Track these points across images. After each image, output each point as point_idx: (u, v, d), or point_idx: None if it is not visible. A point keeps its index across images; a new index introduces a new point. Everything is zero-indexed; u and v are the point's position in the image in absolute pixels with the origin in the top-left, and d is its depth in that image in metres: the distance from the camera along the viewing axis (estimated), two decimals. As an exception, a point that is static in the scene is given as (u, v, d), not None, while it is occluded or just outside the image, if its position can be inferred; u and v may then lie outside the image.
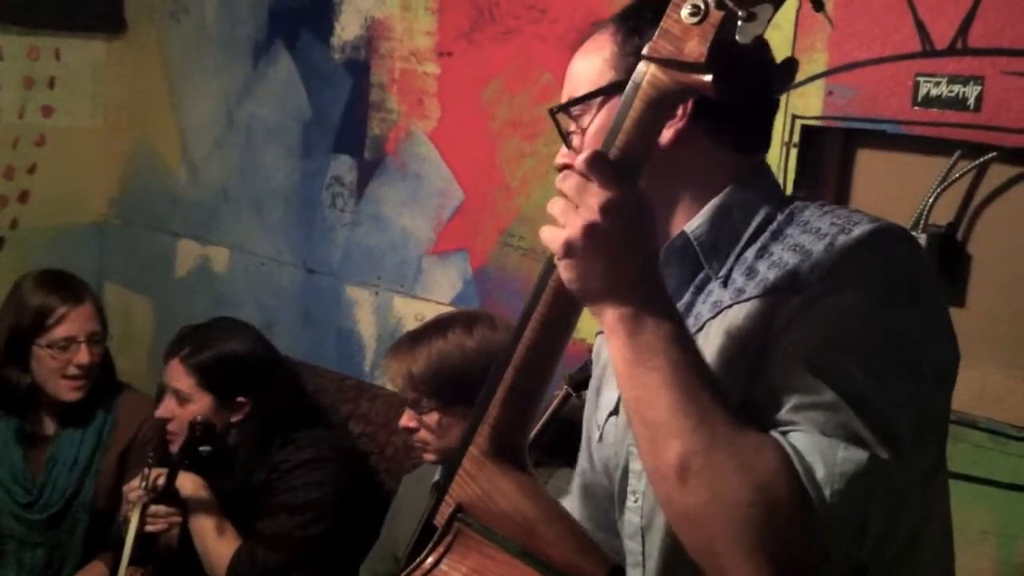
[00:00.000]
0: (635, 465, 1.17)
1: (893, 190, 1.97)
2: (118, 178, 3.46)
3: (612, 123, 1.04)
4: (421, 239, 2.73)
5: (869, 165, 2.02)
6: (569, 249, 1.01)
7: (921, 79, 1.87)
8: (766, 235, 1.12)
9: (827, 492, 0.94)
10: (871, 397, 0.98)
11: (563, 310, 1.10)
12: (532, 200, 2.48)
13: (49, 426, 2.70)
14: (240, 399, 2.45)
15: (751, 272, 1.10)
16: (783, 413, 0.98)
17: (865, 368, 0.99)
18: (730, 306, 1.09)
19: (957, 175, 1.87)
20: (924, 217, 1.89)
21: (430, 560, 1.08)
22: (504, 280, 2.55)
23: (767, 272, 1.08)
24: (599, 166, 1.00)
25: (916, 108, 1.87)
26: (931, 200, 1.89)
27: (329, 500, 2.42)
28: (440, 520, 1.12)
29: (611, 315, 1.01)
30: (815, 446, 0.96)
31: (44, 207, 3.28)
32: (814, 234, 1.07)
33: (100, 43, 3.41)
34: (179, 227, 3.31)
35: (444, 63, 2.65)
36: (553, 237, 1.03)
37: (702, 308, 1.14)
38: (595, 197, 0.99)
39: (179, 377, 2.44)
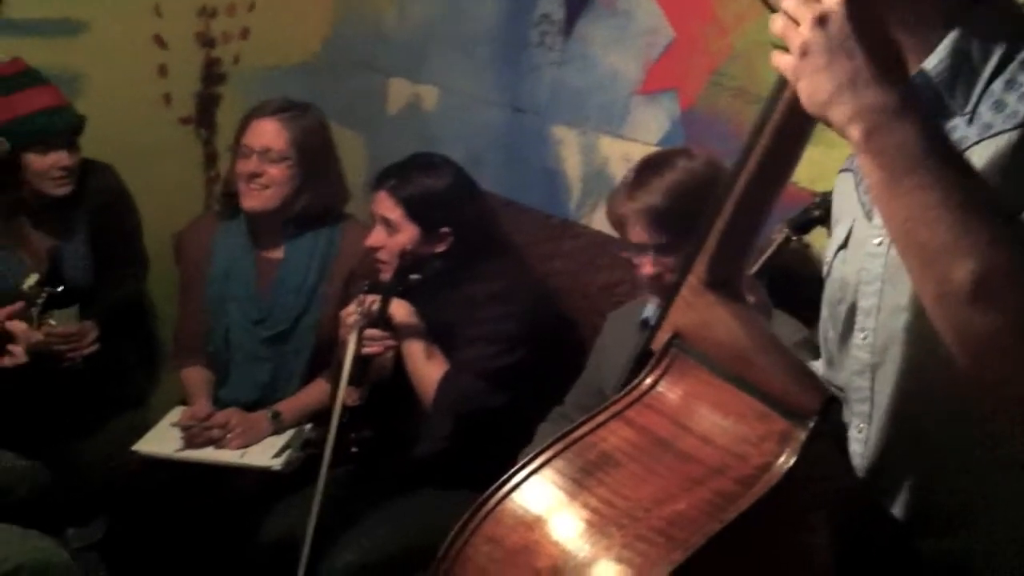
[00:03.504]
0: (865, 302, 1.16)
1: None
2: (331, 17, 3.53)
3: None
4: (629, 78, 2.69)
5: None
6: (801, 60, 0.99)
7: None
8: (1014, 65, 1.06)
9: None
10: None
11: (788, 142, 1.08)
12: (746, 37, 2.40)
13: (278, 250, 2.86)
14: (443, 230, 2.54)
15: (999, 105, 1.04)
16: None
17: None
18: (977, 142, 1.05)
19: None
20: None
21: (648, 381, 1.11)
22: (713, 121, 2.49)
23: (1018, 104, 1.03)
24: None
25: None
26: None
27: (522, 331, 2.50)
28: (657, 346, 1.14)
29: (853, 128, 0.96)
30: None
31: (263, 45, 3.39)
32: None
33: None
34: (390, 66, 3.37)
35: None
36: (780, 57, 1.02)
37: None
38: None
39: (388, 207, 2.54)
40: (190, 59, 3.31)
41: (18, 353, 2.11)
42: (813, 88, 0.99)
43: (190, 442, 2.70)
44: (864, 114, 0.96)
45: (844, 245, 1.21)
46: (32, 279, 2.36)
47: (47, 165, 2.72)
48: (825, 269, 1.26)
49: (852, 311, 1.18)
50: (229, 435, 2.69)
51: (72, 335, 2.61)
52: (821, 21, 0.97)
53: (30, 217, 2.80)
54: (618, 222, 2.10)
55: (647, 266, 2.04)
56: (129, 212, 3.02)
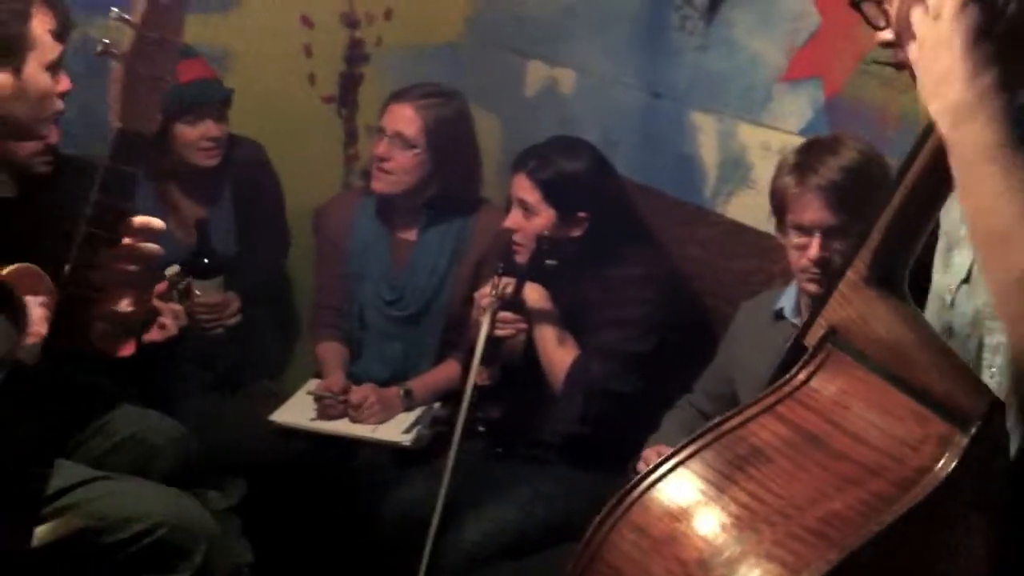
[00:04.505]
0: (991, 339, 1.13)
1: None
2: (472, -2, 3.55)
3: None
4: (772, 65, 2.63)
5: None
6: (920, 52, 1.04)
7: None
8: None
9: None
10: None
11: None
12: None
13: (412, 232, 2.91)
14: (580, 214, 2.53)
15: None
16: None
17: None
18: None
19: None
20: None
21: (801, 376, 1.09)
22: (859, 110, 2.43)
23: None
24: None
25: None
26: None
27: (655, 318, 2.49)
28: (811, 340, 1.12)
29: (941, 122, 1.00)
30: None
31: (405, 26, 3.42)
32: None
33: None
34: (528, 48, 3.37)
35: None
36: (909, 47, 1.07)
37: None
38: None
39: (526, 190, 2.55)
40: (334, 39, 3.36)
41: (170, 326, 2.18)
42: (920, 80, 1.03)
43: (324, 413, 2.77)
44: (948, 109, 0.99)
45: (967, 279, 1.18)
46: (173, 269, 2.43)
47: (196, 136, 2.80)
48: (946, 299, 1.23)
49: (980, 347, 1.15)
50: (367, 411, 2.74)
51: (216, 305, 2.69)
52: (936, 16, 1.00)
53: (179, 187, 2.89)
54: (784, 202, 2.05)
55: (813, 248, 1.98)
56: (273, 187, 3.08)
